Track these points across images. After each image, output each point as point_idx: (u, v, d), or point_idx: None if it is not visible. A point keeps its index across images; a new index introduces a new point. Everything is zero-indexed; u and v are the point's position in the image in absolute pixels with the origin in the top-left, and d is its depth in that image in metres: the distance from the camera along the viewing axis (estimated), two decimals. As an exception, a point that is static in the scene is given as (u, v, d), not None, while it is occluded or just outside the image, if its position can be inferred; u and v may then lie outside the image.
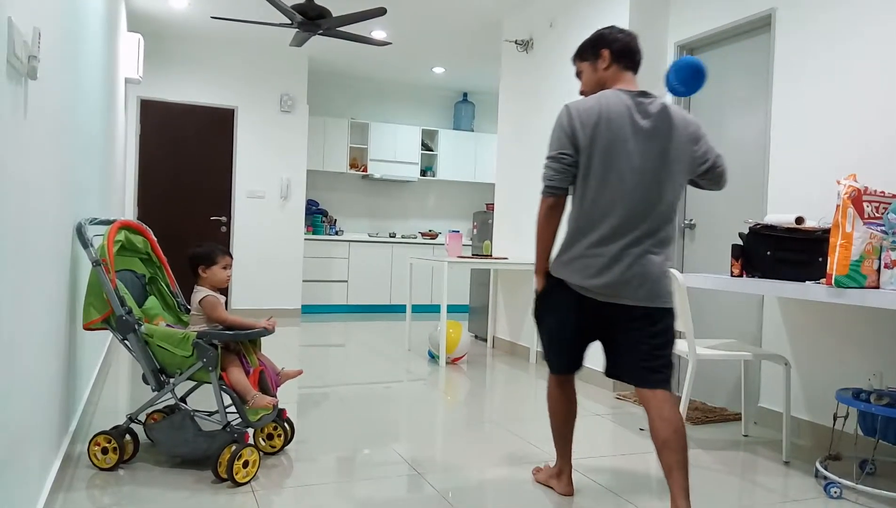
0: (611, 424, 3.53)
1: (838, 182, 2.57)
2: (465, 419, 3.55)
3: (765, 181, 3.62)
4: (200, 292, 2.74)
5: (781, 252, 2.98)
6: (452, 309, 7.31)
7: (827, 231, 2.79)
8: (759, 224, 3.09)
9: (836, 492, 2.57)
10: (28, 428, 1.77)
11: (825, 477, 2.65)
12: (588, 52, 2.43)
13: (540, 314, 2.47)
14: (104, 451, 2.54)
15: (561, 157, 2.29)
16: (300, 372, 2.97)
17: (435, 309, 7.82)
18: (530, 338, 5.22)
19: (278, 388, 2.83)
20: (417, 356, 5.24)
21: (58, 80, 2.08)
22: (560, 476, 2.54)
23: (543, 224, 2.36)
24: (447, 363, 5.00)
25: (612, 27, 2.42)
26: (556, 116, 2.33)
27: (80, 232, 2.51)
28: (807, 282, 2.76)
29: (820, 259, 2.83)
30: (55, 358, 2.20)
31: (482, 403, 3.93)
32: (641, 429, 3.42)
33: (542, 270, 2.40)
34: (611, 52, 2.36)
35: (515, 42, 5.59)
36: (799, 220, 2.96)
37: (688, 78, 2.43)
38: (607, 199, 2.22)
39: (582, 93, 2.48)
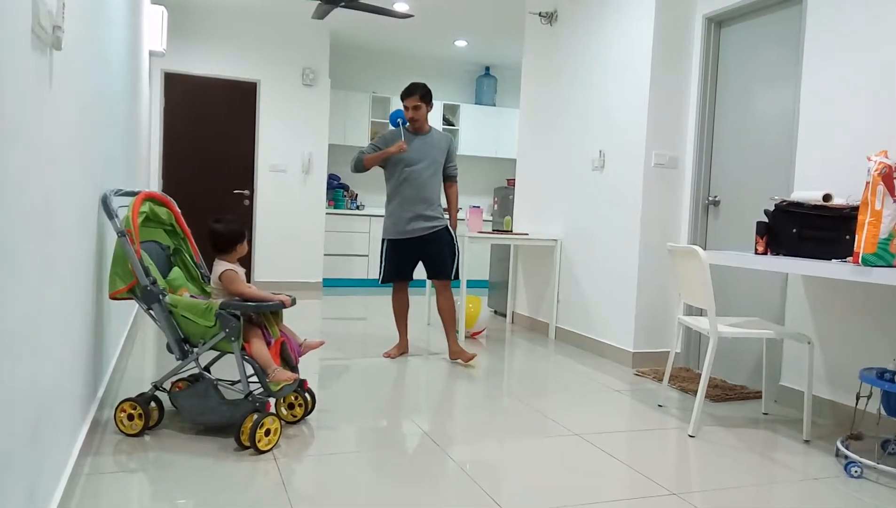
0: (629, 399, 3.53)
1: (869, 158, 2.52)
2: (483, 392, 3.57)
3: (792, 158, 3.55)
4: (221, 266, 2.77)
5: (808, 230, 2.93)
6: (472, 284, 7.32)
7: (855, 209, 2.73)
8: (785, 201, 3.04)
9: (856, 471, 2.55)
10: (57, 394, 1.82)
11: (846, 456, 2.63)
12: (430, 99, 4.25)
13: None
14: (130, 417, 2.61)
15: None
16: (322, 343, 3.00)
17: (454, 285, 7.83)
18: (549, 314, 5.22)
19: (300, 358, 2.88)
20: (437, 331, 5.26)
21: (82, 51, 2.09)
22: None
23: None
24: (466, 337, 5.02)
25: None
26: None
27: (105, 203, 2.54)
28: (833, 260, 2.72)
29: (847, 237, 2.78)
30: (82, 327, 2.25)
31: (501, 377, 3.95)
32: (660, 405, 3.42)
33: None
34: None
35: (539, 14, 5.51)
36: (827, 197, 2.91)
37: (399, 118, 4.27)
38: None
39: (420, 121, 4.22)
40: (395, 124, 4.22)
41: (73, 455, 2.09)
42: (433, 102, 4.30)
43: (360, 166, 4.19)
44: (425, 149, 4.20)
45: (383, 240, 4.31)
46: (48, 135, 1.59)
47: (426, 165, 4.19)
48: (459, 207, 7.11)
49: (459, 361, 4.21)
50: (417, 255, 4.24)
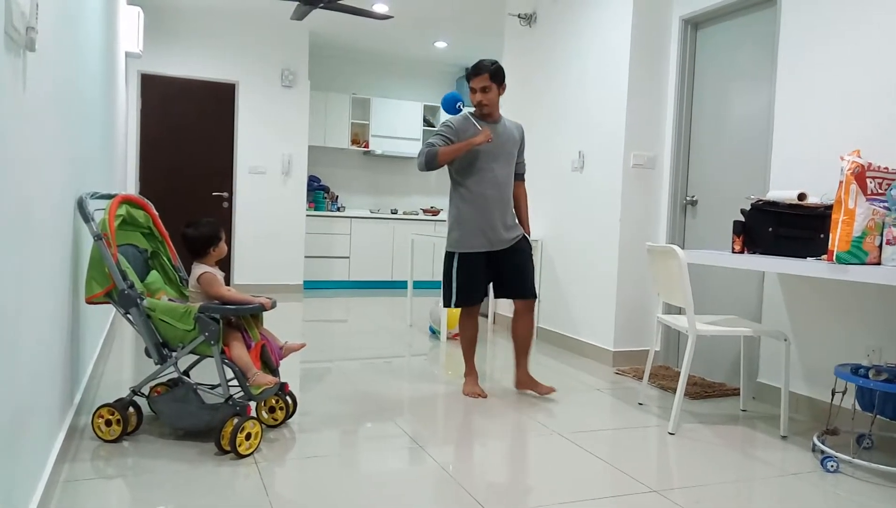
0: (609, 398, 3.55)
1: (842, 158, 2.56)
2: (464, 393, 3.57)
3: (768, 157, 3.60)
4: (199, 269, 2.75)
5: (783, 228, 2.97)
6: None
7: (829, 207, 2.78)
8: (761, 200, 3.08)
9: (832, 466, 2.59)
10: (33, 400, 1.79)
11: (822, 451, 2.67)
12: (502, 79, 3.47)
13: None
14: (108, 423, 2.57)
15: None
16: (303, 345, 2.98)
17: (436, 285, 7.83)
18: (531, 314, 5.24)
19: (281, 361, 2.86)
20: (419, 332, 5.26)
21: (57, 52, 2.07)
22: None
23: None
24: (448, 338, 5.02)
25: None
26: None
27: (81, 206, 2.51)
28: (808, 258, 2.76)
29: (822, 236, 2.83)
30: (59, 332, 2.22)
31: (482, 377, 3.95)
32: (640, 403, 3.45)
33: None
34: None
35: (519, 16, 5.53)
36: (801, 196, 2.95)
37: (458, 102, 3.53)
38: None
39: (492, 106, 3.47)
40: (456, 111, 3.49)
41: (49, 461, 2.06)
42: (506, 82, 3.52)
43: (434, 163, 3.35)
44: (500, 141, 3.46)
45: (455, 254, 3.47)
46: (23, 137, 1.57)
47: (504, 161, 3.47)
48: (440, 208, 7.04)
49: (530, 392, 3.58)
50: (494, 270, 3.50)
